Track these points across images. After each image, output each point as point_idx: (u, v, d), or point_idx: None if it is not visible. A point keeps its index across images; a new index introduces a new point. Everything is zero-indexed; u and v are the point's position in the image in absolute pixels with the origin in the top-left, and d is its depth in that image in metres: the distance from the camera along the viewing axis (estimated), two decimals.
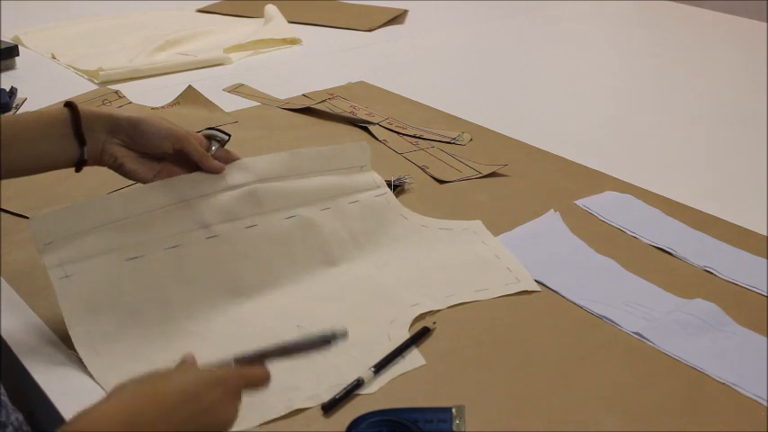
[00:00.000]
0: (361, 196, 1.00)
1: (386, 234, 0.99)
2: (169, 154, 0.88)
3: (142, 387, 0.63)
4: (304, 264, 0.93)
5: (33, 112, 0.88)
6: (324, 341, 0.71)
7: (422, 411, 0.72)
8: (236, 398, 0.66)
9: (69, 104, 0.85)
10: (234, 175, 0.91)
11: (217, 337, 0.83)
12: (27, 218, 1.03)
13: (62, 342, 0.81)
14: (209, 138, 0.92)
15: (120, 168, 0.88)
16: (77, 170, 0.87)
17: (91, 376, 0.77)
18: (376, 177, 1.03)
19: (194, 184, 0.89)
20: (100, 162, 0.88)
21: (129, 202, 0.85)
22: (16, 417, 0.68)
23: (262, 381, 0.68)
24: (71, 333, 0.79)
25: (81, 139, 0.85)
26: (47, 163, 0.87)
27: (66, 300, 0.80)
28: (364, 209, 0.99)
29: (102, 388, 0.75)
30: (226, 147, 0.92)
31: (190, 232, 0.87)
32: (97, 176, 0.95)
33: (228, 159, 0.92)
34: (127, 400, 0.61)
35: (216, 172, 0.90)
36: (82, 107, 0.86)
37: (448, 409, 0.72)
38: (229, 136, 0.92)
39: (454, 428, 0.71)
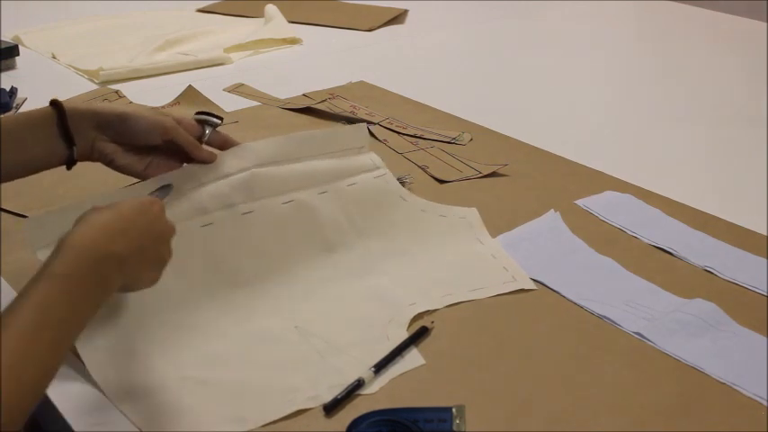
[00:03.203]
0: (360, 178, 0.99)
1: (384, 218, 0.98)
2: (160, 145, 0.88)
3: (103, 212, 0.72)
4: (301, 251, 0.92)
5: (20, 113, 0.88)
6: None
7: (422, 411, 0.72)
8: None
9: (55, 103, 0.85)
10: (229, 162, 0.90)
11: (213, 333, 0.83)
12: (27, 217, 1.03)
13: None
14: (202, 122, 0.91)
15: (111, 164, 0.88)
16: (68, 168, 0.87)
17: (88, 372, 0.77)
18: (375, 158, 1.01)
19: (189, 176, 0.88)
20: (90, 158, 0.88)
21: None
22: None
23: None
24: None
25: (69, 139, 0.85)
26: (37, 164, 0.87)
27: None
28: (363, 191, 0.98)
29: (99, 386, 0.75)
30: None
31: (185, 221, 0.86)
32: (98, 177, 0.95)
33: (223, 143, 0.92)
34: (96, 222, 0.70)
35: (207, 161, 0.89)
36: (68, 105, 0.85)
37: (448, 409, 0.72)
38: (221, 119, 0.92)
39: (454, 428, 0.71)
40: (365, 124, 1.03)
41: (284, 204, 0.92)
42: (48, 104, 0.86)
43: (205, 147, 0.91)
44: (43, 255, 0.80)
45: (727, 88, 1.60)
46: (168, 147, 0.88)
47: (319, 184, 0.95)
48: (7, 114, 0.92)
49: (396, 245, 0.97)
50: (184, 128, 0.89)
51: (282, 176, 0.93)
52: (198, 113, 0.92)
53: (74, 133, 0.85)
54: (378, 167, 1.01)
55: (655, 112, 1.48)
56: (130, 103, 1.39)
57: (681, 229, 1.05)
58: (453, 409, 0.72)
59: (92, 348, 0.78)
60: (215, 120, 0.91)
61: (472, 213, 1.04)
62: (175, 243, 0.83)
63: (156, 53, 1.66)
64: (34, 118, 0.85)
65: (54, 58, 1.67)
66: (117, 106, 0.88)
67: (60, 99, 1.26)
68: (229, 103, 1.43)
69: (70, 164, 0.87)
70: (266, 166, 0.92)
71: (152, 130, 0.86)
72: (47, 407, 0.75)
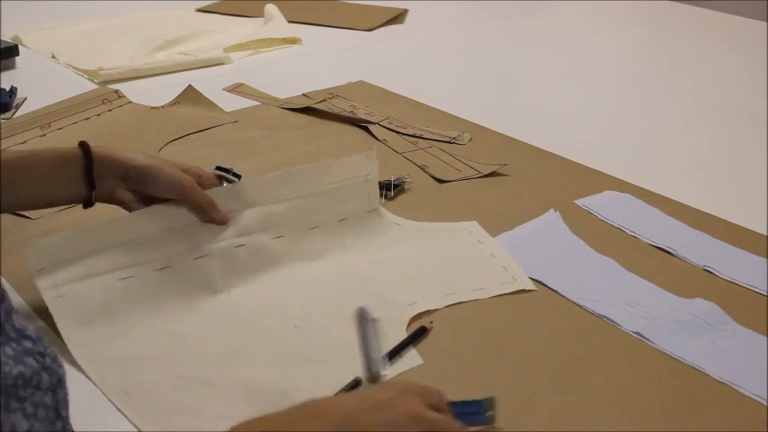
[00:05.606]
0: (352, 216, 1.00)
1: (379, 239, 0.99)
2: (177, 199, 0.91)
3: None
4: (296, 270, 0.93)
5: (47, 150, 0.91)
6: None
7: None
8: None
9: (83, 147, 0.87)
10: (224, 201, 0.92)
11: (211, 333, 0.84)
12: (27, 218, 1.03)
13: (63, 341, 0.81)
14: (221, 178, 0.94)
15: (128, 210, 0.91)
16: (85, 207, 0.90)
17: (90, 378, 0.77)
18: (373, 199, 1.01)
19: (183, 212, 0.90)
20: (108, 202, 0.91)
21: (120, 229, 0.87)
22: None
23: None
24: (67, 342, 0.80)
25: (91, 185, 0.88)
26: (53, 201, 0.90)
27: (61, 315, 0.81)
28: (355, 223, 0.99)
29: (101, 390, 0.76)
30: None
31: (179, 254, 0.89)
32: None
33: None
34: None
35: (220, 223, 0.91)
36: (95, 150, 0.87)
37: (478, 402, 0.69)
38: (240, 177, 0.95)
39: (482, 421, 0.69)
40: (374, 152, 1.03)
41: (275, 239, 0.94)
42: (77, 146, 0.88)
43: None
44: (40, 280, 0.82)
45: (727, 88, 1.60)
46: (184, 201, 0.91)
47: (310, 222, 0.97)
48: (37, 149, 0.96)
49: (393, 252, 0.98)
50: (204, 180, 0.92)
51: (273, 215, 0.95)
52: (218, 168, 0.95)
53: (96, 180, 0.88)
54: (370, 204, 1.02)
55: (654, 112, 1.48)
56: (129, 102, 1.39)
57: (681, 229, 1.05)
58: (486, 401, 0.69)
59: (92, 360, 0.79)
60: (233, 178, 0.95)
61: (472, 226, 1.04)
62: (170, 274, 0.87)
63: (156, 53, 1.66)
64: (62, 158, 0.87)
65: (54, 57, 1.67)
66: (142, 158, 0.89)
67: (59, 99, 1.27)
68: (229, 103, 1.43)
69: (87, 205, 0.90)
70: (258, 206, 0.94)
71: (170, 188, 0.89)
72: None
